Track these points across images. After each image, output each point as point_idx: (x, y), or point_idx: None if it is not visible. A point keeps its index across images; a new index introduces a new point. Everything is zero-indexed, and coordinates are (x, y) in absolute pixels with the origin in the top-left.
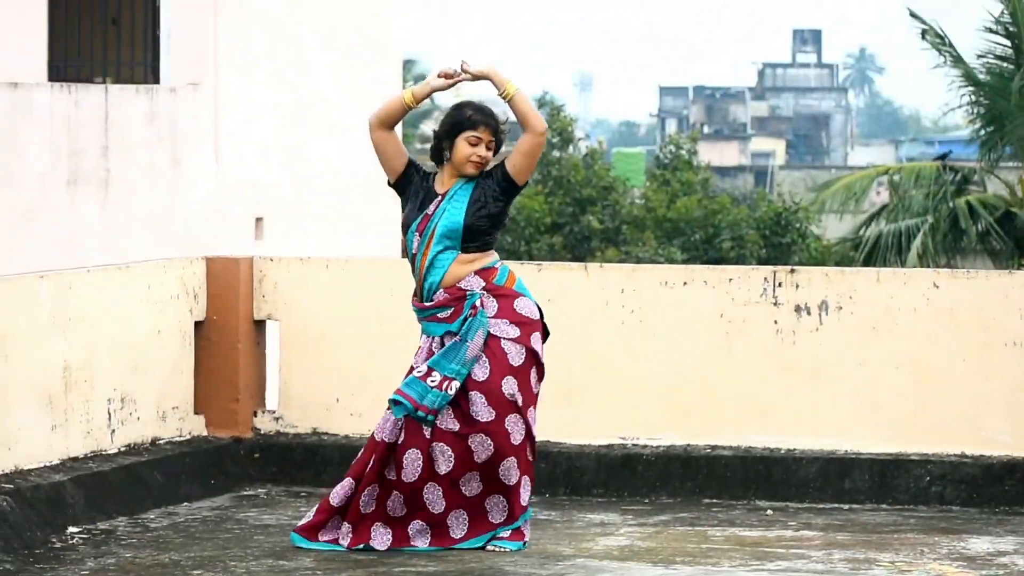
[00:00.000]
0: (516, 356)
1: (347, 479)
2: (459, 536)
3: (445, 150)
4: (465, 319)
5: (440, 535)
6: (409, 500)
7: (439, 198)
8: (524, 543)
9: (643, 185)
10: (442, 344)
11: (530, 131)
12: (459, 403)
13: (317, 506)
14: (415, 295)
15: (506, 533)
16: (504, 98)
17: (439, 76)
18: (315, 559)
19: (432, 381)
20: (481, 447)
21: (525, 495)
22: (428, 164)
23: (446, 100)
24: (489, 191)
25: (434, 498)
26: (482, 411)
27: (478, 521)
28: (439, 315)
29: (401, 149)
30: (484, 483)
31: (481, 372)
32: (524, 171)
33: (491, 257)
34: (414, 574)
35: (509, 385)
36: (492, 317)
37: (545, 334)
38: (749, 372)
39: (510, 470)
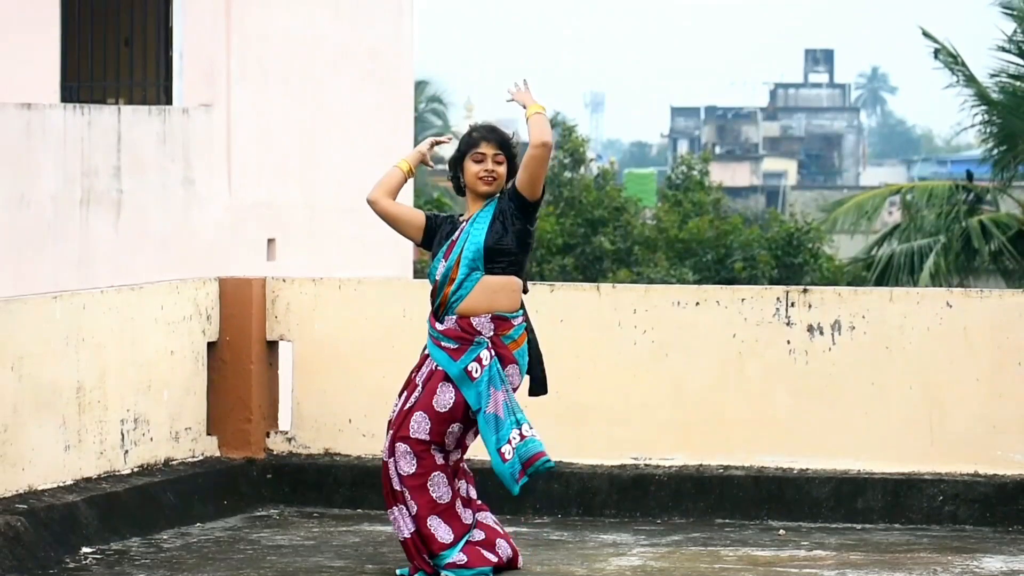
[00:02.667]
0: None
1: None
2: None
3: (459, 178)
4: (468, 371)
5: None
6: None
7: (464, 224)
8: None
9: (655, 206)
10: (434, 375)
11: (530, 144)
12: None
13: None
14: (433, 314)
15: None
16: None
17: (428, 142)
18: None
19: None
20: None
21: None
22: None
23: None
24: (508, 210)
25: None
26: (421, 432)
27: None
28: (443, 343)
29: (412, 210)
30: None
31: (443, 403)
32: (527, 184)
33: (515, 303)
34: None
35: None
36: None
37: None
38: (762, 392)
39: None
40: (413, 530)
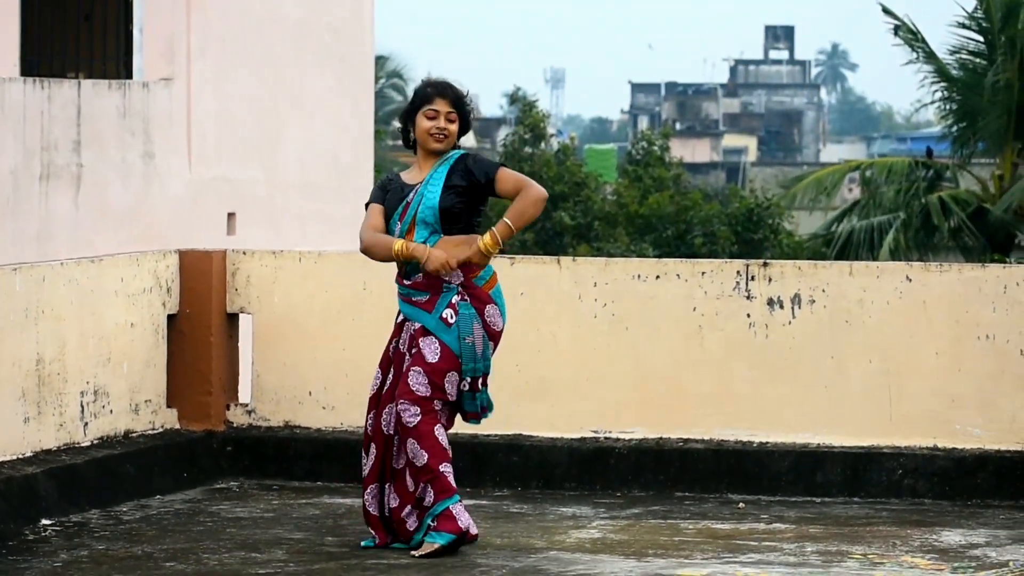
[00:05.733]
0: None
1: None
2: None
3: (410, 132)
4: (443, 319)
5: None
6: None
7: (418, 185)
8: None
9: (615, 181)
10: (414, 336)
11: (529, 200)
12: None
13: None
14: (398, 272)
15: (432, 523)
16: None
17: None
18: (287, 551)
19: (464, 387)
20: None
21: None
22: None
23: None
24: (461, 174)
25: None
26: (420, 387)
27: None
28: (414, 298)
29: (377, 216)
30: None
31: (431, 354)
32: (512, 198)
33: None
34: (386, 566)
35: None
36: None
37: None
38: (722, 365)
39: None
40: (394, 506)
